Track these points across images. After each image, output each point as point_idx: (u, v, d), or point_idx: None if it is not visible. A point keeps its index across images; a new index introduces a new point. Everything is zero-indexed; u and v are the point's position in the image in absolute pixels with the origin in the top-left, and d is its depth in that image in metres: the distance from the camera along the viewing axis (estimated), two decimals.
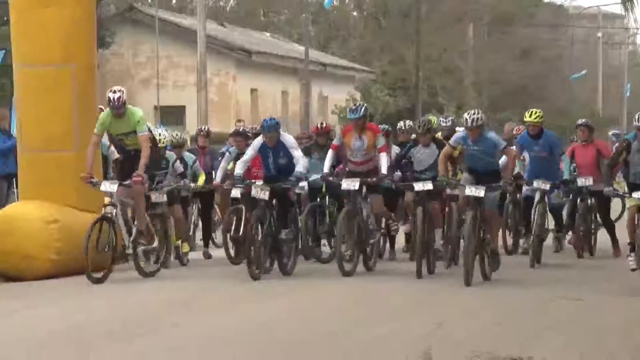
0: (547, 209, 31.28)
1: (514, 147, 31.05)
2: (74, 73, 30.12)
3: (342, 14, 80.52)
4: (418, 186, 23.60)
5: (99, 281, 23.32)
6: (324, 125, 32.27)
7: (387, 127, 30.69)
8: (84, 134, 29.46)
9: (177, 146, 32.72)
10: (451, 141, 23.85)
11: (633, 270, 21.62)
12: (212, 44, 59.84)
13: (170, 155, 32.04)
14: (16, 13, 31.32)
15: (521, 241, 34.29)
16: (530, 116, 33.33)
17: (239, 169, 25.89)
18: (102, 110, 29.41)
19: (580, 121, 38.75)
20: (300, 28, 74.67)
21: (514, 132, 38.79)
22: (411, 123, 30.40)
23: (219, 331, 19.65)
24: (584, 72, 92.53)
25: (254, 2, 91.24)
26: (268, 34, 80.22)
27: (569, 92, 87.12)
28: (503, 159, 28.65)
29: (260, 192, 24.23)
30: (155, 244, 24.76)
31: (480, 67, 79.52)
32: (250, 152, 25.96)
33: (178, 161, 31.19)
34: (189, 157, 33.31)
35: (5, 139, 33.12)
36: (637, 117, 21.70)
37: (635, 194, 20.48)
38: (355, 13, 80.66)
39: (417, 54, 66.81)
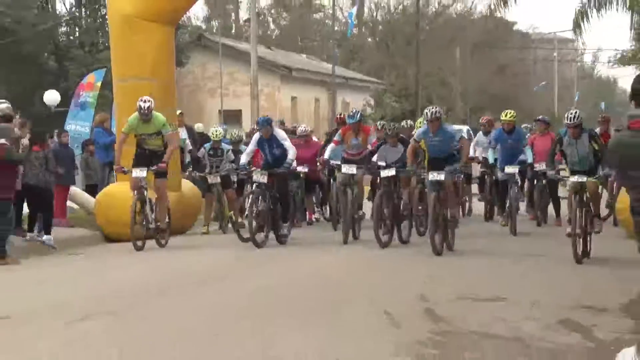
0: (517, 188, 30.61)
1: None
2: (157, 85, 30.30)
3: (360, 40, 79.99)
4: (384, 173, 23.86)
5: (139, 249, 23.57)
6: (341, 115, 34.30)
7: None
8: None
9: (236, 142, 32.51)
10: (415, 136, 23.66)
11: (568, 235, 21.59)
12: (262, 63, 59.78)
13: (225, 146, 32.35)
14: (114, 40, 31.53)
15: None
16: (505, 116, 32.87)
17: (243, 159, 26.08)
18: (181, 114, 29.73)
19: (539, 117, 38.55)
20: (328, 51, 74.35)
21: (483, 120, 38.61)
22: (387, 125, 29.26)
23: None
24: (544, 83, 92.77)
25: (293, 31, 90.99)
26: (304, 55, 79.83)
27: (533, 99, 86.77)
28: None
29: (260, 176, 24.65)
30: (168, 221, 25.28)
31: (466, 80, 79.42)
32: (251, 146, 26.27)
33: (231, 152, 31.42)
34: (244, 149, 31.88)
35: (107, 135, 33.29)
36: (566, 116, 21.59)
37: (572, 178, 20.80)
38: (369, 39, 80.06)
39: (417, 70, 66.48)
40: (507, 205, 30.56)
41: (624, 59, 57.35)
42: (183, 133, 32.12)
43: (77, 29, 72.98)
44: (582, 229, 20.25)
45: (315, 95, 72.26)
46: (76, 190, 32.08)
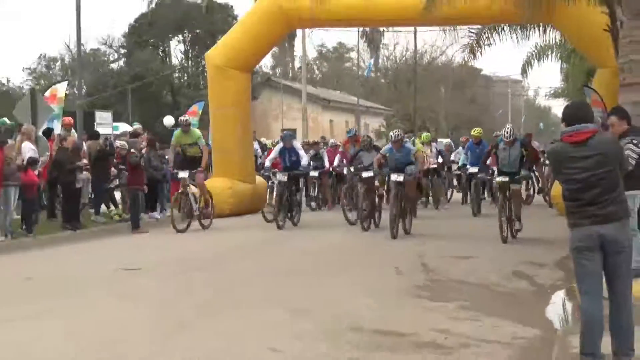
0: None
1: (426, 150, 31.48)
2: (239, 113, 30.25)
3: (376, 81, 79.84)
4: (365, 174, 22.54)
5: (180, 231, 22.48)
6: (356, 134, 31.61)
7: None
8: (244, 145, 29.74)
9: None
10: (382, 150, 22.95)
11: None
12: (309, 97, 59.76)
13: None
14: (210, 82, 31.34)
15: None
16: (474, 132, 31.86)
17: (267, 163, 25.20)
18: (254, 132, 29.67)
19: (496, 133, 38.39)
20: (354, 88, 74.08)
21: (462, 139, 36.98)
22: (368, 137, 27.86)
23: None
24: (501, 111, 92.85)
25: (331, 75, 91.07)
26: (338, 92, 79.81)
27: (494, 121, 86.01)
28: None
29: (281, 176, 23.79)
30: (210, 208, 24.37)
31: (447, 108, 79.48)
32: (273, 153, 25.36)
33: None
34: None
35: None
36: (503, 134, 20.89)
37: (499, 178, 20.32)
38: (382, 80, 79.91)
39: (415, 102, 66.41)
40: (474, 194, 29.31)
41: (556, 93, 57.06)
42: (256, 145, 31.97)
43: (185, 75, 73.08)
44: (507, 217, 19.69)
45: (346, 118, 72.26)
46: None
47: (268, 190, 26.27)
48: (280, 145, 25.09)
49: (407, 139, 26.42)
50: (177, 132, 23.97)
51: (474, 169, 27.78)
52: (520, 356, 9.65)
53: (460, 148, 34.90)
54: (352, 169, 24.91)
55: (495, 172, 21.16)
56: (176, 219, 22.54)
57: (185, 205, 23.12)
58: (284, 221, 23.69)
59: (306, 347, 10.03)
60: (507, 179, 19.88)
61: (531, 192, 34.12)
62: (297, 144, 25.74)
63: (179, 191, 23.32)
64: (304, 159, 24.60)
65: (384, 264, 17.16)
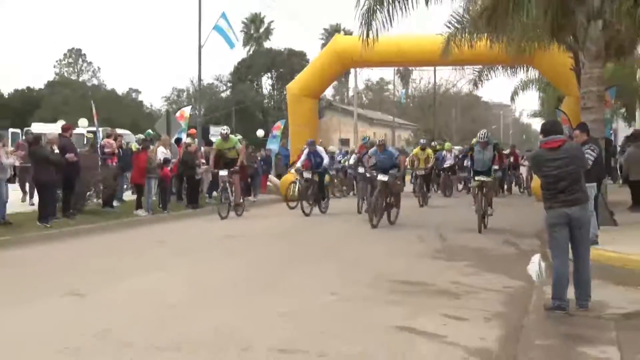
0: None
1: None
2: (309, 128, 30.29)
3: (407, 105, 79.52)
4: (380, 177, 19.28)
5: (223, 218, 20.50)
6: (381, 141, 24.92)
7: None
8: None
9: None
10: (369, 153, 20.86)
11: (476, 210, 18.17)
12: (359, 117, 59.82)
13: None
14: (289, 105, 31.33)
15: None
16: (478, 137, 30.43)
17: (298, 164, 23.05)
18: (321, 142, 28.70)
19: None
20: (391, 110, 73.92)
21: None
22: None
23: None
24: (495, 126, 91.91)
25: (375, 100, 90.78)
26: (379, 112, 79.45)
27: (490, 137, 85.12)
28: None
29: (307, 174, 22.19)
30: (244, 202, 22.62)
31: (457, 125, 78.85)
32: (303, 156, 23.04)
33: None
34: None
35: (285, 151, 32.98)
36: (478, 135, 18.29)
37: (477, 177, 17.62)
38: (411, 104, 79.65)
39: (434, 120, 66.15)
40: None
41: (535, 114, 56.48)
42: (322, 151, 31.27)
43: (272, 101, 73.30)
44: (483, 210, 17.38)
45: (384, 132, 71.58)
46: (271, 176, 31.93)
47: (292, 186, 25.16)
48: (307, 149, 23.27)
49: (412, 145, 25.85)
50: (218, 140, 22.40)
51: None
52: (509, 300, 9.58)
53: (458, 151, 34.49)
54: (361, 169, 22.91)
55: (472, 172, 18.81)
56: (220, 209, 20.83)
57: (226, 197, 21.28)
58: (311, 209, 22.27)
59: (356, 291, 10.05)
60: (483, 178, 17.59)
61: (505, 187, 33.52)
62: (320, 148, 23.87)
63: (221, 187, 21.75)
64: (325, 160, 22.98)
65: (410, 235, 17.06)
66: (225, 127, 22.50)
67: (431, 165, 27.76)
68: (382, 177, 18.54)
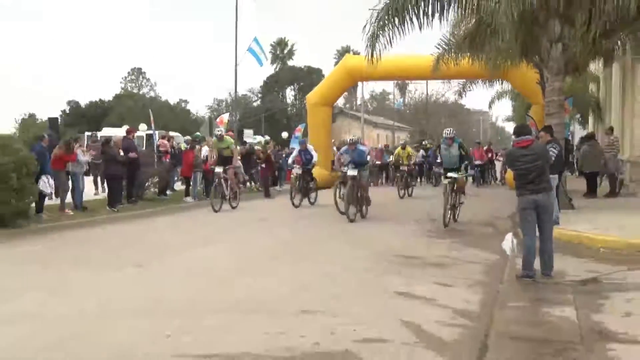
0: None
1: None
2: (324, 131, 30.28)
3: (404, 111, 79.00)
4: (350, 172, 16.47)
5: (216, 211, 18.05)
6: (352, 140, 24.55)
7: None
8: (326, 149, 29.43)
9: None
10: (340, 151, 17.98)
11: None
12: (365, 120, 59.37)
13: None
14: (309, 113, 31.19)
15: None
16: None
17: (290, 160, 21.16)
18: (333, 142, 28.21)
19: (476, 141, 37.52)
20: (392, 116, 73.61)
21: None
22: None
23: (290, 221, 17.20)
24: (475, 130, 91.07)
25: (378, 108, 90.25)
26: (382, 117, 78.90)
27: (472, 136, 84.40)
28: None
29: (297, 169, 20.06)
30: (238, 195, 19.77)
31: (445, 128, 78.23)
32: (295, 152, 21.17)
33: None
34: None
35: (306, 153, 32.66)
36: (444, 132, 15.71)
37: (449, 174, 14.91)
38: (408, 111, 79.13)
39: (427, 124, 65.90)
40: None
41: (508, 119, 56.37)
42: (334, 148, 30.46)
43: (294, 108, 73.06)
44: (451, 205, 14.94)
45: (387, 134, 71.44)
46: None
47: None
48: (298, 147, 21.40)
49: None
50: (214, 140, 19.83)
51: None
52: (487, 270, 9.57)
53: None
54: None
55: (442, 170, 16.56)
56: (214, 202, 18.33)
57: (220, 191, 18.82)
58: (300, 201, 19.94)
59: (359, 264, 10.03)
60: (456, 175, 14.97)
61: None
62: (310, 146, 21.45)
63: (215, 182, 18.95)
64: (314, 157, 20.77)
65: (406, 218, 17.01)
66: (219, 128, 20.37)
67: (413, 162, 26.68)
68: (351, 172, 16.06)
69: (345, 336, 6.01)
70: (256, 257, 10.76)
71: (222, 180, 18.73)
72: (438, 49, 20.16)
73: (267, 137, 23.90)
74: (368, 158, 17.17)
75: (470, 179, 25.13)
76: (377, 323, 6.50)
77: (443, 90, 75.90)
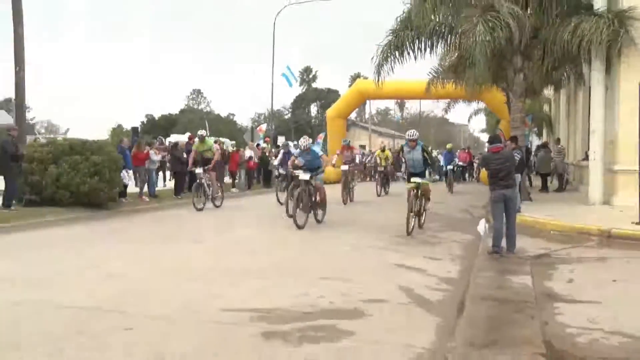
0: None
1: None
2: (340, 139, 30.06)
3: (403, 123, 78.40)
4: (301, 176, 12.39)
5: (199, 210, 14.72)
6: (350, 144, 22.09)
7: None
8: (341, 152, 29.16)
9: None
10: (294, 154, 13.80)
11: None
12: (373, 130, 59.05)
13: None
14: (328, 124, 31.17)
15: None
16: (448, 146, 26.58)
17: (276, 162, 18.79)
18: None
19: (463, 148, 37.31)
20: (392, 126, 73.17)
21: (442, 151, 30.58)
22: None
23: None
24: (458, 139, 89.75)
25: (384, 120, 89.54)
26: (385, 128, 78.24)
27: (455, 143, 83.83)
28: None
29: (282, 170, 17.68)
30: (220, 194, 16.07)
31: (433, 136, 77.82)
32: (280, 155, 18.54)
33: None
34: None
35: (290, 155, 31.22)
36: (407, 134, 11.70)
37: (413, 179, 11.19)
38: (405, 123, 78.57)
39: (420, 134, 65.61)
40: (447, 179, 23.37)
41: (483, 130, 56.15)
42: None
43: (317, 120, 72.82)
44: (416, 212, 11.23)
45: (389, 140, 70.59)
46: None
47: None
48: (282, 150, 18.79)
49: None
50: (197, 142, 16.16)
51: (450, 167, 23.78)
52: (465, 246, 9.54)
53: (441, 155, 34.09)
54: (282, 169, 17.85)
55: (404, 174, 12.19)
56: (196, 202, 14.99)
57: (202, 191, 15.39)
58: (286, 199, 15.27)
59: (362, 241, 9.98)
60: (417, 180, 11.32)
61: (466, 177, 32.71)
62: (293, 149, 17.89)
63: (196, 182, 15.44)
64: (321, 160, 16.14)
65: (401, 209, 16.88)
66: (201, 130, 16.66)
67: (391, 162, 23.14)
68: (303, 176, 12.10)
69: (355, 297, 6.02)
70: (281, 237, 10.73)
71: (202, 180, 15.39)
72: (429, 75, 20.15)
73: (297, 142, 22.68)
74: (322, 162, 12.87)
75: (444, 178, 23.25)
76: (379, 288, 6.50)
77: (433, 107, 75.83)
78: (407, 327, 5.09)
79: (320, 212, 12.48)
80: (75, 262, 7.93)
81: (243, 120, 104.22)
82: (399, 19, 15.43)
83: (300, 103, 74.65)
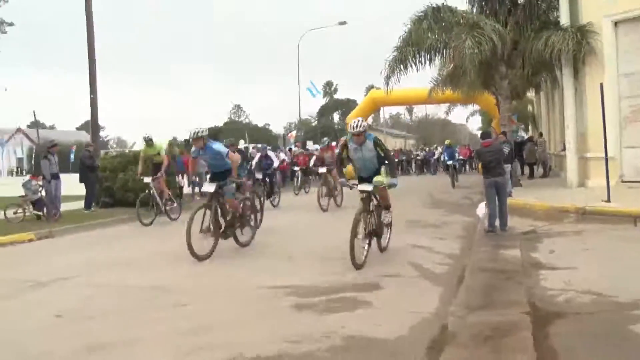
0: None
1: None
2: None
3: (411, 126, 77.69)
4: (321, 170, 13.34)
5: (146, 225, 10.75)
6: (329, 144, 16.36)
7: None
8: None
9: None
10: (192, 154, 7.85)
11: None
12: (386, 133, 58.51)
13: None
14: (347, 128, 30.86)
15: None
16: (447, 142, 24.19)
17: (254, 166, 13.93)
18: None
19: (464, 144, 36.98)
20: (403, 128, 72.57)
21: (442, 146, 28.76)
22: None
23: None
24: (458, 137, 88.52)
25: (397, 123, 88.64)
26: (397, 130, 77.34)
27: (454, 139, 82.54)
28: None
29: (258, 174, 13.89)
30: (175, 204, 12.00)
31: (438, 135, 76.72)
32: (256, 159, 14.35)
33: None
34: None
35: (267, 158, 30.86)
36: (351, 125, 6.69)
37: (361, 187, 6.57)
38: (413, 125, 77.91)
39: (426, 133, 64.80)
40: (450, 172, 20.26)
41: (480, 129, 55.35)
42: (273, 156, 20.08)
43: (339, 126, 72.61)
44: (369, 233, 6.58)
45: (400, 141, 69.98)
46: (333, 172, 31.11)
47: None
48: (259, 154, 14.45)
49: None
50: (144, 146, 12.01)
51: (449, 161, 20.96)
52: (466, 228, 9.49)
53: (441, 149, 33.66)
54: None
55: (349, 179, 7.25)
56: (142, 215, 10.90)
57: (154, 203, 11.34)
58: (269, 202, 13.57)
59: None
60: (369, 188, 6.57)
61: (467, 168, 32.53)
62: (271, 153, 14.81)
63: (145, 193, 11.23)
64: (275, 163, 14.06)
65: (412, 197, 16.72)
66: (147, 133, 11.97)
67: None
68: (206, 188, 7.52)
69: (372, 274, 6.04)
70: (308, 224, 10.67)
71: (151, 190, 11.32)
72: (430, 84, 20.00)
73: (321, 146, 21.26)
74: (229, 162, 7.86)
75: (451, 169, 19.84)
76: (393, 264, 6.51)
77: (436, 110, 75.37)
78: (416, 296, 5.15)
79: (246, 230, 8.04)
80: (146, 249, 8.11)
81: (277, 128, 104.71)
82: (401, 38, 15.41)
83: (324, 112, 74.83)
